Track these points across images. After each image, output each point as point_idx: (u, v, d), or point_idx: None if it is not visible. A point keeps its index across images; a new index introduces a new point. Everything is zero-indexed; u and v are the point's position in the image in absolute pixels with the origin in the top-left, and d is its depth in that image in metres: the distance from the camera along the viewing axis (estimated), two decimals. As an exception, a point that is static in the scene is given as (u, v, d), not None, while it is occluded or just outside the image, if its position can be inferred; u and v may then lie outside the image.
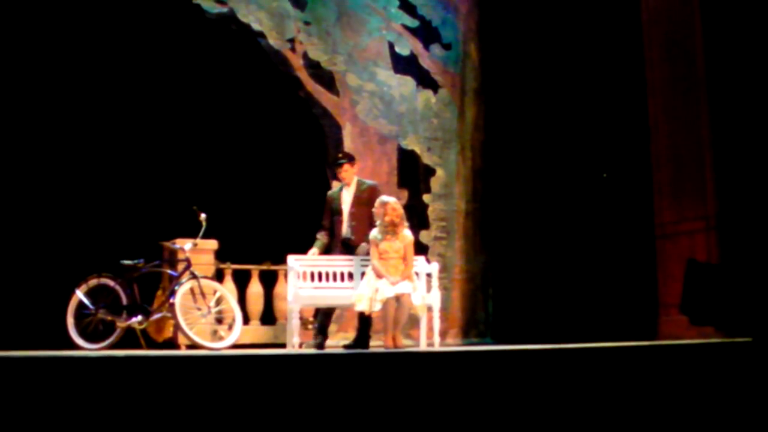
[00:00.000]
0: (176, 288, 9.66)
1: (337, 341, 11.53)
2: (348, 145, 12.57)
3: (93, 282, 9.72)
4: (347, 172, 9.97)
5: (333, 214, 9.95)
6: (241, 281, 11.97)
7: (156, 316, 9.88)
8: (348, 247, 9.92)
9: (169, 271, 10.21)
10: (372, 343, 11.15)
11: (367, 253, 9.62)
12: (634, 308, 11.81)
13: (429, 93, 13.15)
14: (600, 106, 12.85)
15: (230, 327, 9.91)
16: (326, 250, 9.93)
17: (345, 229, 9.92)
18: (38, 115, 11.95)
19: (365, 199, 9.90)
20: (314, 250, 9.87)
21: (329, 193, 10.10)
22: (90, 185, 12.15)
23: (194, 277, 9.73)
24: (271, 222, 12.58)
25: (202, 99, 12.69)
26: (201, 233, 9.92)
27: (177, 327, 9.87)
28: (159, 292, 10.51)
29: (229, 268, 11.85)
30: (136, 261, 9.83)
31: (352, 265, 9.92)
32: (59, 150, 12.05)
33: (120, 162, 12.32)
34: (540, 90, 13.19)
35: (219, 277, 11.56)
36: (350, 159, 10.04)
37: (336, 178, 12.23)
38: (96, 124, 12.29)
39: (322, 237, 9.93)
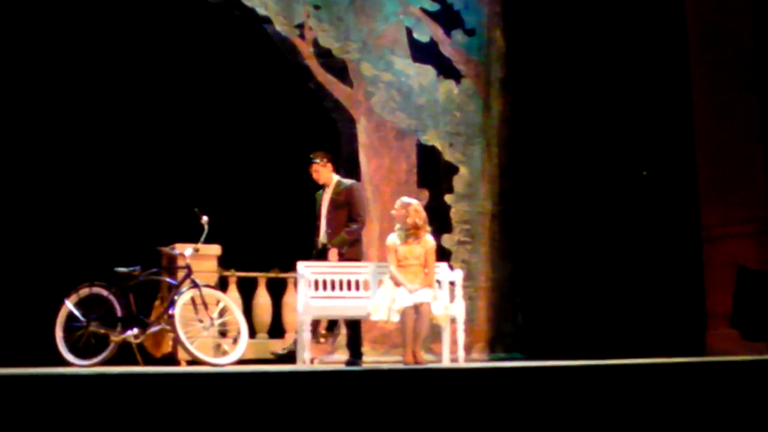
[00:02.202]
0: (176, 298, 9.64)
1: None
2: (362, 140, 12.56)
3: (84, 291, 9.67)
4: (318, 173, 10.05)
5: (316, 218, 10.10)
6: (247, 290, 11.96)
7: (154, 328, 9.85)
8: (323, 256, 9.95)
9: (167, 280, 10.19)
10: (390, 357, 11.12)
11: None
12: (678, 320, 11.76)
13: (451, 83, 13.11)
14: (639, 99, 12.80)
15: (235, 341, 9.89)
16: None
17: (321, 235, 10.03)
18: (27, 112, 11.98)
19: (341, 201, 9.98)
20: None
21: (317, 194, 10.18)
22: (81, 186, 12.16)
23: (195, 285, 9.71)
24: (280, 225, 12.56)
25: (203, 91, 12.70)
26: (203, 238, 9.90)
27: (177, 341, 9.84)
28: (157, 303, 10.50)
29: (233, 275, 11.84)
30: (131, 268, 9.79)
31: (368, 273, 9.92)
32: (49, 147, 12.08)
33: (114, 161, 12.32)
34: (572, 80, 13.13)
35: (223, 285, 11.55)
36: (323, 157, 10.06)
37: (350, 177, 12.26)
38: (88, 118, 12.31)
39: None
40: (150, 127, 12.49)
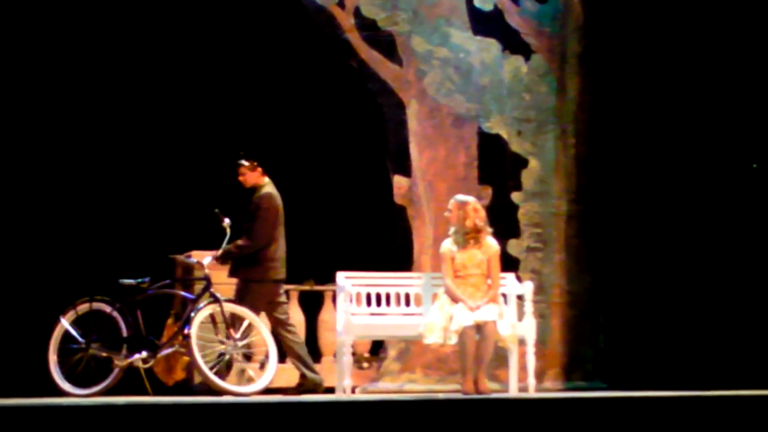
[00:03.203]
0: (192, 315, 9.67)
1: (401, 384, 11.48)
2: (414, 128, 12.54)
3: (83, 308, 9.73)
4: (245, 176, 10.29)
5: None
6: (276, 306, 11.97)
7: (165, 351, 9.87)
8: None
9: (182, 293, 10.23)
10: (447, 386, 11.08)
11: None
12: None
13: (519, 60, 13.06)
14: (746, 76, 12.64)
15: (262, 366, 9.92)
16: None
17: None
18: (23, 106, 12.10)
19: (250, 211, 10.11)
20: None
21: None
22: (80, 184, 12.21)
23: (215, 300, 9.73)
24: (315, 230, 12.55)
25: (225, 73, 12.72)
26: (224, 244, 9.90)
27: (193, 366, 9.87)
28: (169, 321, 10.50)
29: (260, 288, 11.86)
30: (139, 280, 9.84)
31: (420, 285, 9.91)
32: (45, 141, 12.16)
33: (120, 157, 12.37)
34: (665, 55, 13.01)
35: (248, 300, 11.57)
36: (250, 159, 10.30)
37: (398, 172, 12.21)
38: (90, 109, 12.38)
39: None
40: (163, 121, 12.52)
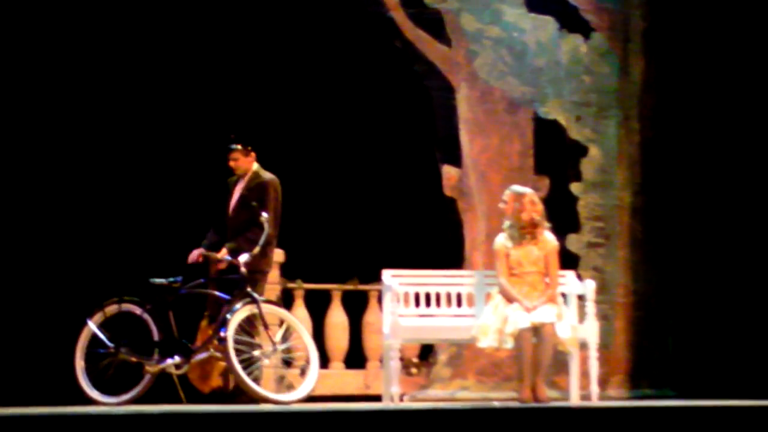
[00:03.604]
0: (228, 317, 9.66)
1: (452, 391, 11.49)
2: (464, 114, 12.56)
3: (112, 309, 9.80)
4: (238, 161, 10.32)
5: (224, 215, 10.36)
6: (318, 307, 12.00)
7: (200, 356, 9.90)
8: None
9: (217, 293, 10.24)
10: (502, 393, 11.09)
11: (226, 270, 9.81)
12: None
13: (577, 39, 13.05)
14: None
15: (303, 371, 9.92)
16: None
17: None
18: (45, 107, 12.19)
19: (253, 197, 10.12)
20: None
21: (229, 180, 10.46)
22: (109, 180, 12.27)
23: (253, 301, 9.74)
24: (359, 225, 12.55)
25: (263, 55, 12.74)
26: (262, 240, 9.93)
27: (229, 371, 9.89)
28: (204, 323, 10.55)
29: (300, 288, 11.89)
30: (171, 279, 9.89)
31: (472, 284, 9.91)
32: (70, 140, 12.22)
33: (148, 147, 12.41)
34: (739, 31, 12.92)
35: (287, 301, 11.62)
36: (245, 145, 10.32)
37: (448, 161, 12.21)
38: (118, 106, 12.44)
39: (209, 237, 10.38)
40: (195, 104, 12.55)
